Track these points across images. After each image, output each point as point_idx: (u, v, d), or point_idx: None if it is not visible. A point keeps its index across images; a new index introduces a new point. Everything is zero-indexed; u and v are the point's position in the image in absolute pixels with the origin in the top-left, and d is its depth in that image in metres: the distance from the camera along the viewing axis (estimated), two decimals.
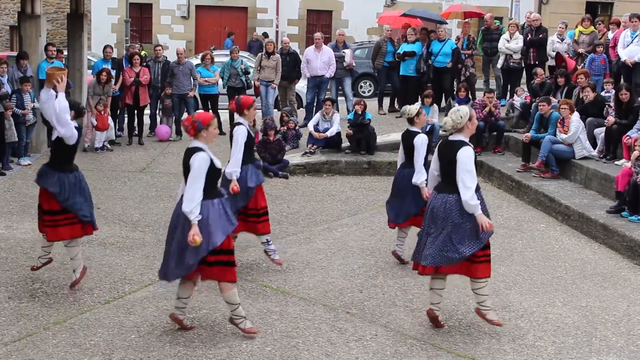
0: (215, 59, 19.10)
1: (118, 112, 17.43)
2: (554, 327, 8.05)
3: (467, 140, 7.62)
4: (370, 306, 8.47)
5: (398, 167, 10.00)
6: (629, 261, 10.38)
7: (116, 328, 7.67)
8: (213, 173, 7.20)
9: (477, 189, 7.57)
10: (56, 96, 8.28)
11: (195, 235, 6.99)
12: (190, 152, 7.19)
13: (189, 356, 7.09)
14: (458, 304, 8.57)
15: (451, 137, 7.68)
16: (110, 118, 16.58)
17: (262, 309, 8.24)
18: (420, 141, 9.45)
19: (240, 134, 8.87)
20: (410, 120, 9.64)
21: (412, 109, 9.67)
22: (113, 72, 16.89)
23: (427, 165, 9.27)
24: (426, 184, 9.10)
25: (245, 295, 8.64)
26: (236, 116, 9.18)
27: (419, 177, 9.32)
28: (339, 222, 11.89)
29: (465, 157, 7.44)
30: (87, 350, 7.17)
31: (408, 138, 9.63)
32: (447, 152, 7.62)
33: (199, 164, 7.05)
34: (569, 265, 10.18)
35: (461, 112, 7.59)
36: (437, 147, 7.88)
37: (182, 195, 7.27)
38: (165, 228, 11.05)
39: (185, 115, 17.84)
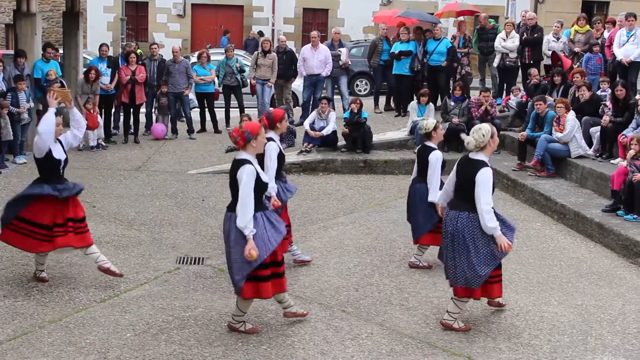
0: (212, 57, 19.07)
1: (114, 110, 17.39)
2: (549, 326, 8.06)
3: (487, 160, 7.60)
4: (366, 305, 8.47)
5: (411, 182, 9.92)
6: (625, 260, 10.40)
7: (112, 326, 7.67)
8: (258, 186, 7.23)
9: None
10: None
11: (251, 250, 7.06)
12: (237, 164, 7.24)
13: (185, 355, 7.08)
14: None
15: (471, 155, 7.66)
16: (99, 116, 16.53)
17: (257, 307, 8.23)
18: (436, 158, 9.35)
19: (273, 149, 8.62)
20: (428, 135, 9.51)
21: (429, 123, 9.52)
22: (108, 71, 16.86)
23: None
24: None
25: None
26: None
27: (434, 195, 9.15)
28: (335, 220, 11.89)
29: (486, 179, 7.44)
30: (83, 349, 7.16)
31: (423, 153, 9.50)
32: (466, 170, 7.62)
33: (248, 178, 7.11)
34: (565, 264, 10.19)
35: (483, 130, 7.56)
36: (456, 164, 7.88)
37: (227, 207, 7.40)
38: (161, 226, 11.15)
39: (187, 113, 17.87)
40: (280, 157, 8.81)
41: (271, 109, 9.14)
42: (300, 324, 7.84)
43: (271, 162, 8.63)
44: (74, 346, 7.21)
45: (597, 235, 11.18)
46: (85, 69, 17.15)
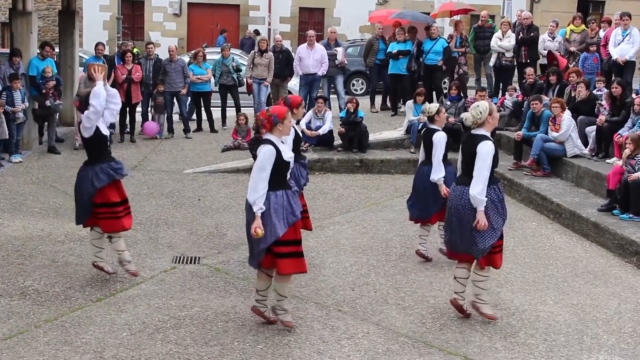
0: (208, 57, 19.06)
1: None
2: (545, 325, 8.07)
3: (488, 134, 7.75)
4: (362, 304, 8.47)
5: (418, 164, 10.12)
6: (620, 259, 10.41)
7: (107, 326, 7.66)
8: (280, 165, 7.29)
9: (496, 182, 7.82)
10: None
11: (257, 228, 7.13)
12: (259, 143, 7.36)
13: (181, 354, 7.08)
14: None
15: (473, 131, 7.81)
16: None
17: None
18: (439, 138, 9.60)
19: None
20: (431, 119, 9.80)
21: (432, 107, 9.86)
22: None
23: (446, 162, 9.65)
24: (444, 181, 9.41)
25: (237, 293, 8.64)
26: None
27: (437, 174, 9.54)
28: (331, 220, 11.89)
29: (484, 151, 7.58)
30: (79, 348, 7.15)
31: (427, 135, 9.77)
32: (469, 146, 7.77)
33: (264, 155, 7.20)
34: (561, 263, 10.20)
35: (481, 107, 7.73)
36: (461, 142, 8.06)
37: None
38: (157, 225, 11.14)
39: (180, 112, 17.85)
40: (297, 139, 9.13)
41: (289, 96, 9.23)
42: (297, 323, 7.84)
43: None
44: (69, 345, 7.20)
45: (592, 235, 11.19)
46: (82, 69, 17.11)
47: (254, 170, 7.22)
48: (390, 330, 7.82)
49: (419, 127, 15.73)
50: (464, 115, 7.92)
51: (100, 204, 8.51)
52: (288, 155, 7.45)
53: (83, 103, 8.55)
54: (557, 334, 7.87)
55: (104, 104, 8.39)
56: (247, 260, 9.58)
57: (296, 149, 9.04)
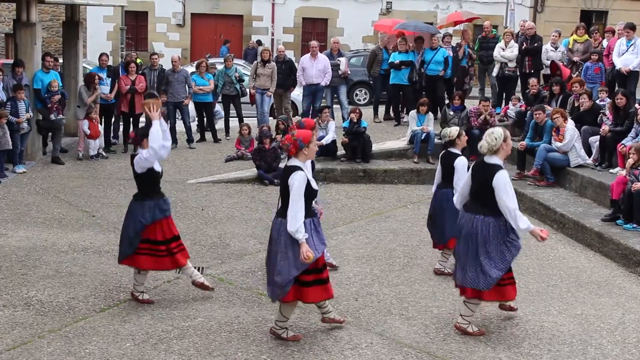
0: (211, 67, 19.08)
1: (113, 119, 17.40)
2: (549, 335, 8.06)
3: (502, 163, 7.72)
4: (366, 314, 8.46)
5: (434, 187, 10.01)
6: (624, 269, 10.40)
7: (111, 336, 7.66)
8: (309, 192, 7.31)
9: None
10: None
11: (307, 252, 7.15)
12: (289, 170, 7.31)
13: None
14: (453, 311, 8.55)
15: (486, 159, 7.76)
16: (100, 126, 16.57)
17: (257, 317, 8.23)
18: (462, 164, 9.48)
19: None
20: (451, 142, 9.70)
21: (453, 131, 9.73)
22: (108, 80, 16.89)
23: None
24: None
25: (241, 303, 8.64)
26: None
27: None
28: (334, 230, 11.88)
29: (504, 182, 7.53)
30: (82, 359, 7.15)
31: (448, 159, 9.65)
32: (481, 174, 7.73)
33: (299, 184, 7.18)
34: (564, 273, 10.19)
35: (495, 134, 7.67)
36: (471, 168, 8.01)
37: (276, 214, 7.50)
38: None
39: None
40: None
41: (302, 119, 9.22)
42: (300, 333, 7.82)
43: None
44: (73, 356, 7.20)
45: (596, 245, 11.18)
46: (84, 77, 17.14)
47: (293, 199, 7.17)
48: (393, 340, 7.81)
49: (422, 138, 15.77)
50: (479, 143, 7.81)
51: (142, 240, 8.42)
52: (314, 182, 7.48)
53: (139, 136, 8.48)
54: (561, 344, 7.86)
55: (161, 146, 8.26)
56: (249, 270, 9.66)
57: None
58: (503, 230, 7.68)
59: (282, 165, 15.00)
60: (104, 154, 16.47)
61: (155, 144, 8.15)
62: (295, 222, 7.14)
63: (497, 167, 7.61)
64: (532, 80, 16.70)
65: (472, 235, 7.72)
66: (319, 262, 7.48)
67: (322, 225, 11.71)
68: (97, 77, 16.39)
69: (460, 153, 9.68)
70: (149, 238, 8.40)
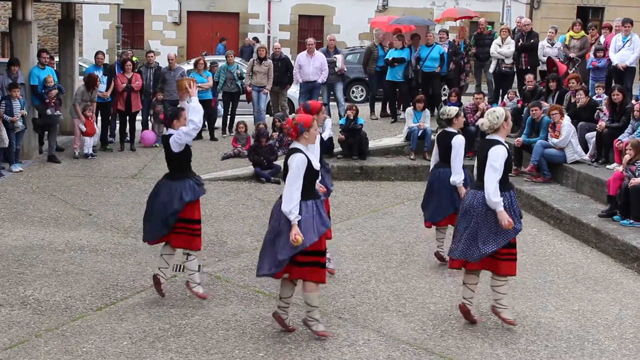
0: (207, 65, 19.03)
1: (110, 118, 17.38)
2: (546, 331, 8.06)
3: (502, 139, 7.84)
4: (363, 311, 8.47)
5: (431, 167, 10.17)
6: (621, 265, 10.41)
7: (108, 335, 7.65)
8: (310, 174, 7.33)
9: (509, 188, 7.87)
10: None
11: (297, 235, 7.15)
12: (289, 152, 7.35)
13: None
14: (450, 308, 8.56)
15: (488, 137, 7.93)
16: (95, 124, 16.53)
17: (254, 315, 8.23)
18: (459, 142, 9.61)
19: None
20: (449, 121, 9.81)
21: (452, 110, 9.87)
22: (104, 78, 16.86)
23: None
24: (463, 184, 9.47)
25: (238, 301, 8.63)
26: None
27: (458, 177, 9.55)
28: (331, 227, 11.85)
29: (495, 154, 7.68)
30: (79, 358, 7.15)
31: (445, 138, 9.78)
32: (483, 150, 7.88)
33: (297, 164, 7.20)
34: (561, 269, 10.20)
35: (497, 113, 7.86)
36: (477, 148, 8.17)
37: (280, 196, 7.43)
38: None
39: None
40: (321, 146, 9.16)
41: (309, 101, 9.25)
42: (297, 330, 7.83)
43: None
44: (70, 355, 7.20)
45: (593, 241, 11.19)
46: (83, 76, 17.10)
47: (289, 179, 7.21)
48: (391, 337, 7.81)
49: (419, 134, 15.76)
50: (480, 121, 7.99)
51: (180, 219, 8.39)
52: (317, 164, 7.49)
53: (169, 117, 8.51)
54: (558, 340, 7.86)
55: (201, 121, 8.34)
56: (246, 268, 9.65)
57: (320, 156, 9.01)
58: (506, 206, 7.74)
59: (279, 162, 15.02)
60: (93, 153, 16.37)
61: (196, 117, 8.21)
62: (290, 202, 7.16)
63: (496, 142, 7.80)
64: (529, 76, 16.70)
65: (473, 209, 7.81)
66: (321, 244, 7.48)
67: None
68: (98, 81, 16.34)
69: (458, 132, 9.77)
70: (188, 217, 8.39)
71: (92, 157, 16.18)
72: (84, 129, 16.03)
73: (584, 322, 8.37)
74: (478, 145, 8.16)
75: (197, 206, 8.53)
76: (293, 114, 7.75)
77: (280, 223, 7.35)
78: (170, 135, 8.38)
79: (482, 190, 7.76)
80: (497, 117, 7.78)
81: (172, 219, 8.34)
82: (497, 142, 7.77)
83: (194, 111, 8.23)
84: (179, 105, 8.75)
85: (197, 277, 8.66)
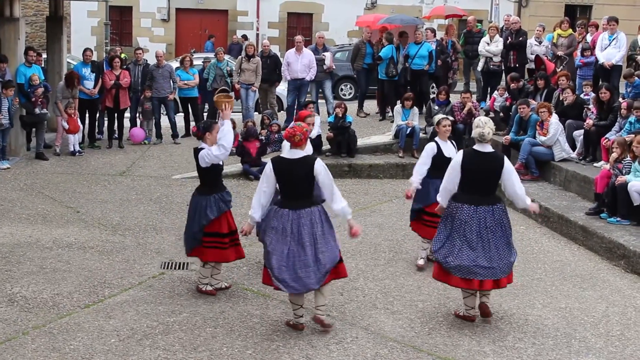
0: (195, 62, 19.01)
1: (98, 115, 17.33)
2: (533, 329, 8.09)
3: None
4: (351, 309, 8.48)
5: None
6: (608, 263, 10.45)
7: (96, 332, 7.64)
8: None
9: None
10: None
11: (359, 228, 7.89)
12: (310, 160, 7.61)
13: None
14: (438, 306, 8.60)
15: (481, 149, 7.92)
16: (79, 120, 16.47)
17: (242, 312, 8.24)
18: (426, 147, 9.75)
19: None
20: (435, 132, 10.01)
21: (434, 119, 10.04)
22: (92, 75, 16.77)
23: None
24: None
25: (226, 299, 8.64)
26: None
27: (414, 178, 9.67)
28: None
29: (512, 166, 8.03)
30: (67, 355, 7.14)
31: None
32: (488, 165, 7.91)
33: (326, 168, 7.63)
34: (549, 267, 10.23)
35: (490, 122, 7.96)
36: (461, 161, 7.94)
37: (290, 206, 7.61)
38: (145, 231, 11.09)
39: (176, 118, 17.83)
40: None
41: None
42: (285, 328, 7.85)
43: None
44: (57, 352, 7.18)
45: (580, 238, 11.23)
46: (65, 75, 17.05)
47: (332, 181, 7.65)
48: (378, 334, 7.82)
49: (407, 133, 15.78)
50: (477, 131, 7.89)
51: (208, 233, 8.52)
52: None
53: (202, 130, 8.57)
54: (545, 337, 7.89)
55: (232, 143, 8.49)
56: (234, 265, 9.64)
57: None
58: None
59: (266, 159, 14.99)
60: (80, 149, 16.32)
61: (227, 141, 8.30)
62: (343, 200, 7.73)
63: (501, 154, 8.13)
64: (511, 76, 16.64)
65: (497, 226, 7.91)
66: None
67: None
68: (77, 78, 16.28)
69: (437, 140, 9.74)
70: (215, 231, 8.52)
71: (80, 154, 16.13)
72: (66, 126, 15.96)
73: (571, 319, 8.41)
74: (470, 158, 7.92)
75: (226, 219, 8.62)
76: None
77: (301, 227, 7.54)
78: (202, 149, 8.46)
79: (497, 203, 7.91)
80: (492, 128, 7.91)
81: (200, 234, 8.50)
82: (502, 155, 8.20)
83: (224, 135, 8.33)
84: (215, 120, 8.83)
85: (206, 280, 8.82)
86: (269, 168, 7.53)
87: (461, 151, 8.11)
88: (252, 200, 7.69)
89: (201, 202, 8.53)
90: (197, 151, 8.50)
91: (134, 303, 8.44)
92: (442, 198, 8.14)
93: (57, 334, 7.57)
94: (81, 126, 16.62)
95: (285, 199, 7.59)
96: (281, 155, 7.86)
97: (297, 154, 7.59)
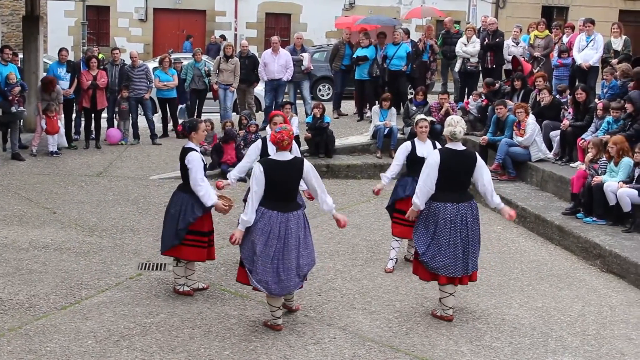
0: (173, 62, 18.94)
1: (74, 115, 17.24)
2: (510, 328, 8.13)
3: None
4: (329, 309, 8.48)
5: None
6: (584, 262, 10.52)
7: (72, 334, 7.60)
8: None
9: None
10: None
11: (344, 217, 8.13)
12: (301, 161, 7.74)
13: None
14: (416, 306, 8.62)
15: (455, 147, 8.02)
16: (59, 121, 16.38)
17: (220, 313, 8.22)
18: (400, 147, 9.86)
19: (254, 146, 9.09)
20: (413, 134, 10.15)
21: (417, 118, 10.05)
22: (68, 75, 16.68)
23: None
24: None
25: (204, 300, 8.61)
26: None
27: (385, 176, 9.83)
28: None
29: (484, 162, 8.20)
30: (43, 357, 7.09)
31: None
32: (464, 163, 8.01)
33: (313, 167, 7.87)
34: (526, 266, 10.28)
35: (462, 121, 8.09)
36: (440, 161, 7.93)
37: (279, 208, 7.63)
38: (123, 232, 11.03)
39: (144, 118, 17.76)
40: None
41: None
42: (263, 329, 7.84)
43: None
44: (34, 354, 7.13)
45: (557, 238, 11.30)
46: (46, 74, 16.94)
47: (321, 181, 7.96)
48: (356, 335, 7.83)
49: (385, 133, 15.81)
50: (455, 130, 7.95)
51: (191, 231, 8.46)
52: None
53: (187, 129, 8.57)
54: (522, 336, 7.94)
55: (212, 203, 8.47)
56: (212, 266, 9.63)
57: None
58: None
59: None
60: (58, 150, 16.23)
61: (206, 202, 8.39)
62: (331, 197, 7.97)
63: (472, 151, 8.26)
64: (485, 83, 16.71)
65: (475, 222, 8.09)
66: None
67: None
68: (54, 83, 16.18)
69: (413, 141, 9.76)
70: (198, 229, 8.48)
71: (57, 154, 16.04)
72: (44, 126, 15.86)
73: (547, 318, 8.46)
74: (448, 156, 7.94)
75: (207, 219, 8.60)
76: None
77: (288, 230, 7.60)
78: (190, 149, 8.44)
79: (471, 200, 8.08)
80: (465, 125, 8.12)
81: (184, 232, 8.44)
82: (475, 152, 8.29)
83: (207, 193, 8.42)
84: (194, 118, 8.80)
85: (182, 280, 8.79)
86: (258, 170, 7.46)
87: (437, 151, 8.11)
88: (246, 205, 7.59)
89: (187, 199, 8.45)
90: (184, 151, 8.46)
91: (111, 304, 8.40)
92: (421, 199, 8.04)
93: (33, 336, 7.52)
94: (61, 127, 16.51)
95: (274, 200, 7.55)
96: (270, 157, 7.81)
97: (286, 155, 7.61)
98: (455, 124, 7.94)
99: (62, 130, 16.68)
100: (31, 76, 17.77)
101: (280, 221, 7.54)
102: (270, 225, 7.51)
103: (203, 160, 8.52)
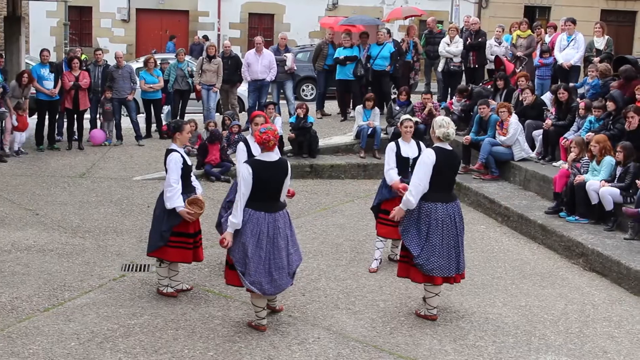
0: (157, 63, 18.89)
1: (57, 116, 17.16)
2: (494, 327, 8.16)
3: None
4: (313, 309, 8.49)
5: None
6: (567, 261, 10.57)
7: (55, 336, 7.57)
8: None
9: None
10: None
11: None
12: (286, 162, 7.73)
13: None
14: (400, 305, 8.63)
15: (444, 147, 8.06)
16: (29, 118, 16.28)
17: (204, 314, 8.21)
18: (387, 148, 9.77)
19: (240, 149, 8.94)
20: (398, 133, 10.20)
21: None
22: (52, 76, 16.57)
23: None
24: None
25: (187, 301, 8.60)
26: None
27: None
28: None
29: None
30: (26, 359, 7.05)
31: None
32: (452, 162, 8.13)
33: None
34: (509, 265, 10.32)
35: (453, 123, 8.17)
36: (435, 160, 7.93)
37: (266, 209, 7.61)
38: (106, 233, 11.00)
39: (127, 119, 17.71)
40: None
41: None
42: (247, 329, 7.83)
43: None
44: (16, 357, 7.10)
45: (540, 237, 11.34)
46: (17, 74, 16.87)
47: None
48: (340, 334, 7.84)
49: (369, 133, 15.82)
50: (448, 131, 7.99)
51: (175, 233, 8.47)
52: None
53: (172, 130, 8.64)
54: (505, 335, 7.97)
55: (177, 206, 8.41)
56: (195, 267, 9.61)
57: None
58: None
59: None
60: (23, 150, 16.14)
61: (170, 205, 8.36)
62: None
63: (455, 152, 8.36)
64: (458, 90, 16.73)
65: (461, 221, 8.19)
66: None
67: None
68: (25, 75, 16.09)
69: (398, 141, 9.72)
70: (182, 231, 8.48)
71: (23, 153, 15.94)
72: (15, 123, 15.73)
73: (530, 317, 8.49)
74: (443, 156, 7.94)
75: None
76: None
77: (277, 230, 7.62)
78: (172, 150, 8.45)
79: (456, 199, 8.18)
80: (455, 125, 8.28)
81: (168, 233, 8.44)
82: (456, 152, 8.40)
83: (174, 195, 8.38)
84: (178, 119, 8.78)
85: (165, 281, 8.78)
86: (247, 172, 7.42)
87: (431, 150, 8.04)
88: (234, 207, 7.55)
89: None
90: (167, 152, 8.48)
91: (94, 306, 8.37)
92: (416, 198, 7.98)
93: (16, 338, 7.49)
94: (29, 124, 16.39)
95: (261, 201, 7.53)
96: (257, 158, 7.75)
97: (272, 156, 7.61)
98: (447, 125, 7.98)
99: (31, 125, 16.56)
100: (13, 77, 17.67)
101: (269, 221, 7.54)
102: (259, 227, 7.50)
103: (187, 162, 8.50)
